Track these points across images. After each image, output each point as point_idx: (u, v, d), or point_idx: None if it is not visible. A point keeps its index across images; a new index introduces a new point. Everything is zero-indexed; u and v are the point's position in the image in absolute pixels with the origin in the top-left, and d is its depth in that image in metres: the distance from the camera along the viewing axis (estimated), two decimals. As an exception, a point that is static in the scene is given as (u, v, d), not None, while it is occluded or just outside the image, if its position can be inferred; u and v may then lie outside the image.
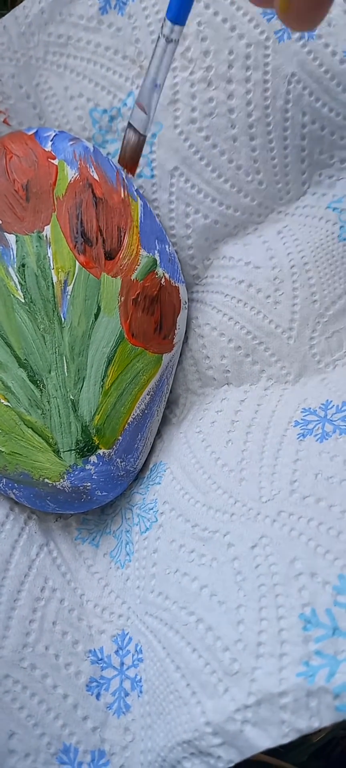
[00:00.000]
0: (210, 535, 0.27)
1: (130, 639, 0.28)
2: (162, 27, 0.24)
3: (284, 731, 0.22)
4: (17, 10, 0.31)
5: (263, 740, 0.22)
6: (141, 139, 0.28)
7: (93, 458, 0.29)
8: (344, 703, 0.21)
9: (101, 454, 0.29)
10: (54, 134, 0.31)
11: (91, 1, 0.30)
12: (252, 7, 0.30)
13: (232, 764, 0.23)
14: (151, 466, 0.32)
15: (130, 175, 0.31)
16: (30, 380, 0.29)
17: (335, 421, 0.28)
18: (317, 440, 0.28)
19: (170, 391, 0.34)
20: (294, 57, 0.30)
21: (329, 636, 0.22)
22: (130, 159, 0.29)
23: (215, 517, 0.27)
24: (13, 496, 0.30)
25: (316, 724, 0.21)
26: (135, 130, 0.28)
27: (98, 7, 0.30)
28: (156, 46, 0.24)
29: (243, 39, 0.30)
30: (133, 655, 0.28)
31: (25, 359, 0.29)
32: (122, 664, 0.28)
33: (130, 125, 0.28)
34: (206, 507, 0.28)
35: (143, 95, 0.27)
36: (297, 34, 0.29)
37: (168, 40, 0.25)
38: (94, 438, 0.29)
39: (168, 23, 0.24)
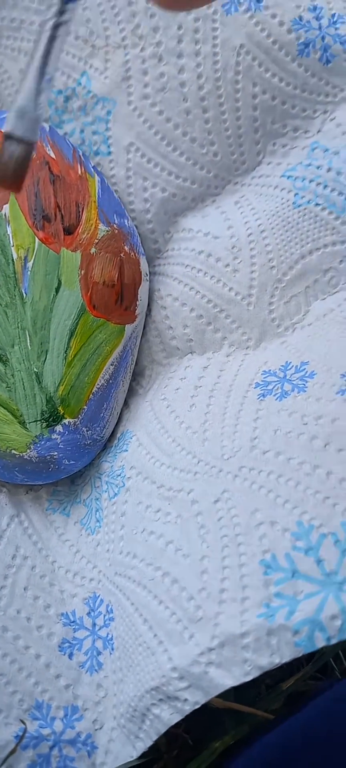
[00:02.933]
0: (175, 494, 0.28)
1: (102, 601, 0.29)
2: (51, 11, 0.20)
3: (246, 669, 0.23)
4: (-31, -6, 0.31)
5: (226, 679, 0.23)
6: (29, 148, 0.22)
7: (59, 428, 0.30)
8: (303, 638, 0.22)
9: (67, 423, 0.30)
10: (11, 114, 0.31)
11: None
12: None
13: (198, 705, 0.24)
14: (118, 435, 0.33)
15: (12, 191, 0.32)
16: (-6, 355, 0.30)
17: (293, 380, 0.29)
18: (276, 399, 0.29)
19: (136, 363, 0.34)
20: (242, 28, 0.31)
21: (288, 579, 0.23)
22: (15, 174, 0.22)
23: (179, 476, 0.28)
24: (-19, 469, 0.30)
25: (276, 660, 0.22)
26: (19, 139, 0.22)
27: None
28: (42, 32, 0.21)
29: (191, 13, 0.31)
30: (104, 616, 0.29)
31: (-11, 335, 0.30)
32: (94, 624, 0.29)
33: (9, 136, 0.21)
34: (171, 468, 0.29)
35: (27, 95, 0.22)
36: (244, 6, 0.30)
37: (57, 24, 0.21)
38: (59, 408, 0.30)
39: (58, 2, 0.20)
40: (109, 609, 0.29)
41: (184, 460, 0.29)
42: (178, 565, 0.26)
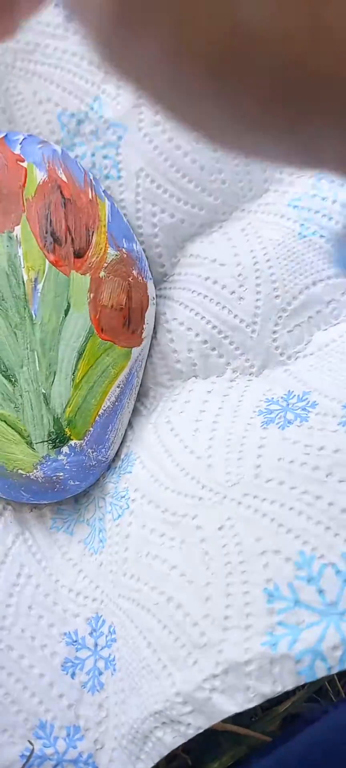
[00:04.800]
0: (179, 519, 0.28)
1: (104, 621, 0.30)
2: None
3: (249, 696, 0.23)
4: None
5: (229, 706, 0.23)
6: None
7: (65, 449, 0.30)
8: (305, 667, 0.23)
9: (73, 444, 0.31)
10: (23, 138, 0.32)
11: (57, 10, 0.32)
12: None
13: (201, 730, 0.24)
14: (122, 456, 0.33)
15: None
16: (2, 375, 0.30)
17: (296, 410, 0.30)
18: (279, 428, 0.29)
19: (141, 385, 0.35)
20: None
21: (290, 608, 0.24)
22: None
23: (183, 501, 0.29)
24: (-13, 488, 0.31)
25: (279, 689, 0.23)
26: None
27: (64, 15, 0.31)
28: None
29: None
30: (106, 636, 0.29)
31: (-2, 355, 0.30)
32: (96, 645, 0.29)
33: None
34: (175, 492, 0.29)
35: None
36: None
37: None
38: (66, 429, 0.30)
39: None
40: (111, 630, 0.29)
41: (188, 485, 0.29)
42: (182, 591, 0.26)
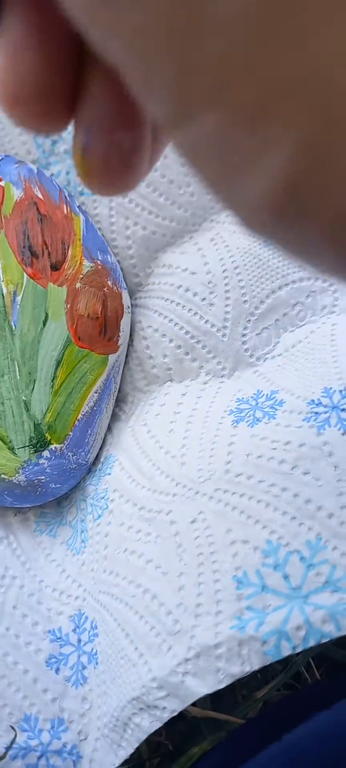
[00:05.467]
0: (155, 515, 0.30)
1: (86, 617, 0.31)
2: None
3: (219, 678, 0.25)
4: None
5: (201, 687, 0.25)
6: None
7: (46, 453, 0.32)
8: (271, 648, 0.24)
9: (53, 448, 0.32)
10: (0, 158, 0.34)
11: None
12: None
13: (175, 713, 0.25)
14: (102, 459, 0.35)
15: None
16: (-15, 385, 0.31)
17: (264, 408, 0.31)
18: (248, 425, 0.31)
19: (119, 391, 0.36)
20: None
21: (258, 593, 0.25)
22: None
23: (158, 498, 0.30)
24: (-29, 493, 0.32)
25: (247, 669, 0.24)
26: None
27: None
28: None
29: None
30: (89, 632, 0.30)
31: (-20, 366, 0.32)
32: (79, 641, 0.30)
33: None
34: (151, 491, 0.31)
35: None
36: None
37: None
38: (46, 434, 0.32)
39: None
40: (93, 625, 0.30)
41: (163, 482, 0.31)
42: (157, 582, 0.28)
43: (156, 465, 0.32)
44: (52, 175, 0.35)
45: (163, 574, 0.28)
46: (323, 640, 0.23)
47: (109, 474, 0.33)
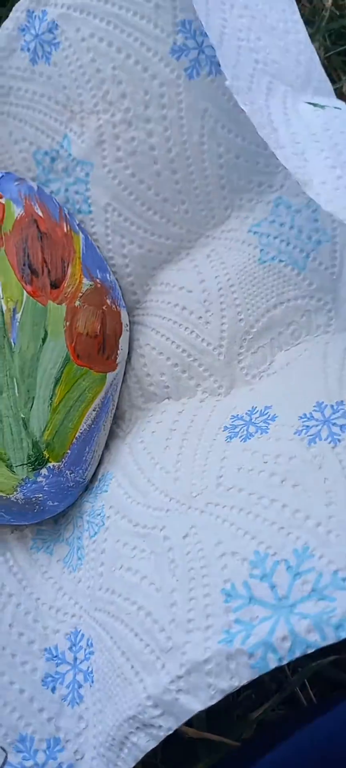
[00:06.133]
0: (149, 531, 0.30)
1: (82, 635, 0.31)
2: None
3: (210, 694, 0.24)
4: None
5: (194, 704, 0.24)
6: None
7: (44, 471, 0.32)
8: (258, 660, 0.24)
9: (51, 466, 0.32)
10: (0, 176, 0.34)
11: (23, 54, 0.34)
12: (161, 46, 0.33)
13: (171, 731, 0.25)
14: (99, 476, 0.35)
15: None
16: (-17, 402, 0.32)
17: (257, 423, 0.31)
18: (241, 440, 0.31)
19: (117, 408, 0.37)
20: (205, 93, 0.34)
21: (245, 605, 0.25)
22: None
23: (153, 514, 0.30)
24: (-32, 509, 0.32)
25: (236, 683, 0.24)
26: None
27: (29, 59, 0.34)
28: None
29: (156, 79, 0.33)
30: (85, 650, 0.30)
31: (-22, 383, 0.32)
32: (76, 659, 0.30)
33: None
34: (146, 506, 0.31)
35: None
36: (205, 70, 0.33)
37: None
38: (45, 452, 0.32)
39: None
40: (89, 643, 0.30)
41: (157, 498, 0.31)
42: (151, 599, 0.28)
43: (151, 481, 0.32)
44: (51, 192, 0.35)
45: (157, 590, 0.28)
46: (309, 650, 0.23)
47: (106, 491, 0.33)
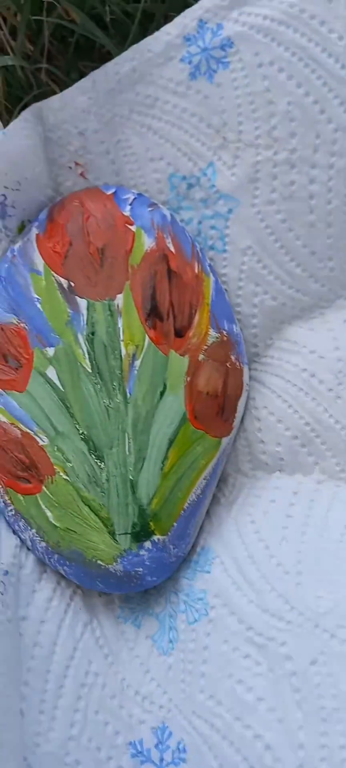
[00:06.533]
0: (265, 642, 0.26)
1: (171, 733, 0.28)
2: None
3: None
4: (108, 66, 0.29)
5: None
6: None
7: (147, 544, 0.28)
8: None
9: (156, 540, 0.29)
10: (133, 197, 0.30)
11: (183, 66, 0.29)
12: (344, 90, 0.29)
13: None
14: (198, 549, 0.31)
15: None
16: (91, 455, 0.28)
17: None
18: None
19: (219, 468, 0.33)
20: None
21: None
22: None
23: (270, 622, 0.27)
24: (63, 572, 0.29)
25: None
26: None
27: (189, 72, 0.29)
28: None
29: (331, 123, 0.29)
30: (173, 752, 0.27)
31: (88, 432, 0.28)
32: (162, 759, 0.27)
33: None
34: (261, 609, 0.27)
35: None
36: None
37: None
38: (151, 523, 0.28)
39: None
40: (180, 747, 0.27)
41: (275, 602, 0.27)
42: (271, 730, 0.25)
43: (266, 578, 0.28)
44: (182, 220, 0.31)
45: (279, 721, 0.25)
46: None
47: (208, 572, 0.30)
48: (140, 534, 0.28)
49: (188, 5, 0.30)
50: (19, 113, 0.31)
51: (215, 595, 0.29)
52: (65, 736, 0.26)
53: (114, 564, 0.28)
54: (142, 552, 0.28)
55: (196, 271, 0.30)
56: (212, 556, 0.30)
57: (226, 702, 0.26)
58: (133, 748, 0.27)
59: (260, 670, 0.26)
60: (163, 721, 0.28)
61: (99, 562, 0.28)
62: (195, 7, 0.29)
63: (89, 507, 0.28)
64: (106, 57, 0.34)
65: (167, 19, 0.31)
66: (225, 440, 0.30)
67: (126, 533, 0.28)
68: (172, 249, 0.29)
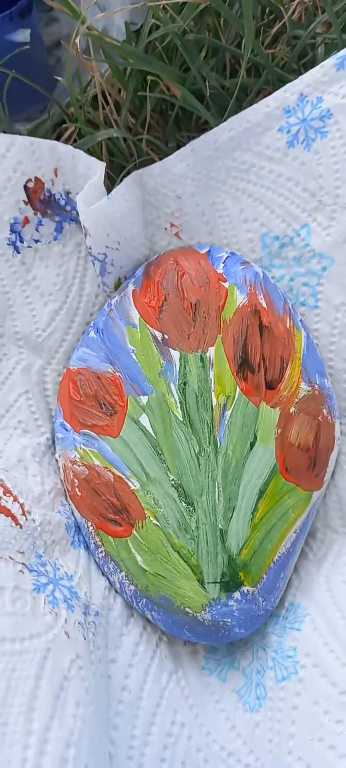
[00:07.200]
0: (360, 708, 0.25)
1: (258, 795, 0.27)
2: None
3: None
4: (207, 135, 0.31)
5: None
6: None
7: (237, 594, 0.28)
8: None
9: (245, 591, 0.28)
10: (226, 256, 0.31)
11: (280, 135, 0.30)
12: None
13: None
14: (287, 604, 0.30)
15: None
16: (181, 502, 0.28)
17: None
18: None
19: (307, 524, 0.32)
20: None
21: None
22: None
23: (365, 688, 0.26)
24: (150, 617, 0.29)
25: None
26: None
27: (286, 141, 0.30)
28: None
29: None
30: None
31: (179, 479, 0.29)
32: None
33: None
34: (355, 673, 0.26)
35: None
36: None
37: None
38: (240, 573, 0.28)
39: None
40: None
41: (370, 668, 0.26)
42: None
43: (361, 641, 0.27)
44: (273, 278, 0.32)
45: (374, 794, 0.23)
46: None
47: (299, 630, 0.29)
48: (230, 584, 0.28)
49: (283, 81, 0.32)
50: (121, 180, 0.33)
51: (305, 654, 0.28)
52: (152, 786, 0.26)
53: (202, 613, 0.28)
54: (231, 602, 0.28)
55: (287, 325, 0.30)
56: (303, 613, 0.29)
57: (316, 766, 0.25)
58: None
59: (353, 736, 0.25)
60: (249, 782, 0.27)
61: (187, 609, 0.28)
62: (296, 82, 0.30)
63: (179, 553, 0.28)
64: (203, 127, 0.36)
65: (261, 94, 0.33)
66: (316, 494, 0.30)
67: (215, 582, 0.28)
68: (264, 304, 0.30)
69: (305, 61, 0.34)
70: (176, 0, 0.29)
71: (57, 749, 0.21)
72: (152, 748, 0.26)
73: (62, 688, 0.23)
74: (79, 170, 0.31)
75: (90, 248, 0.31)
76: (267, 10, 0.35)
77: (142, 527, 0.29)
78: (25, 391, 0.32)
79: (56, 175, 0.32)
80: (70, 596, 0.27)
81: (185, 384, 0.29)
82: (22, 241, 0.32)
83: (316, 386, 0.30)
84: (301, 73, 0.31)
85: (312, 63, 0.34)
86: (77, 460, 0.30)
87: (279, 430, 0.29)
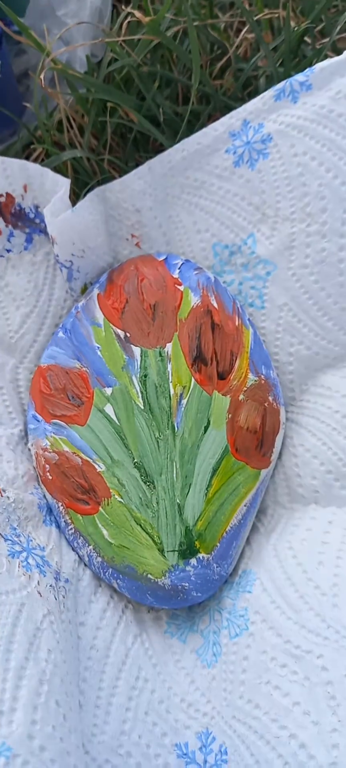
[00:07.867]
0: (302, 654, 0.29)
1: (214, 738, 0.30)
2: None
3: None
4: (163, 156, 0.35)
5: None
6: None
7: (193, 561, 0.32)
8: None
9: (201, 557, 0.32)
10: (181, 263, 0.35)
11: (227, 156, 0.35)
12: None
13: None
14: (240, 572, 0.34)
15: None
16: (142, 480, 0.32)
17: None
18: None
19: (259, 502, 0.36)
20: None
21: None
22: None
23: (307, 637, 0.29)
24: (116, 586, 0.32)
25: None
26: None
27: (232, 161, 0.34)
28: None
29: None
30: (216, 755, 0.29)
31: (140, 461, 0.32)
32: (206, 762, 0.29)
33: None
34: (299, 625, 0.30)
35: None
36: None
37: None
38: (196, 542, 0.32)
39: None
40: (222, 750, 0.29)
41: (312, 620, 0.30)
42: (306, 730, 0.27)
43: (304, 598, 0.31)
44: (224, 282, 0.36)
45: (314, 723, 0.27)
46: None
47: (249, 592, 0.32)
48: (186, 552, 0.32)
49: (229, 108, 0.36)
50: (85, 195, 0.37)
51: (255, 612, 0.31)
52: (118, 730, 0.29)
53: (163, 578, 0.32)
54: (188, 568, 0.32)
55: (236, 324, 0.34)
56: (253, 578, 0.33)
57: (263, 705, 0.28)
58: (179, 750, 0.30)
59: (296, 678, 0.28)
60: (206, 727, 0.30)
61: (149, 575, 0.32)
62: (240, 109, 0.34)
63: (141, 526, 0.32)
64: (159, 149, 0.40)
65: (210, 119, 0.37)
66: (264, 472, 0.34)
67: (174, 551, 0.32)
68: (215, 305, 0.34)
69: (249, 91, 0.39)
70: (131, 37, 0.33)
71: (31, 684, 0.24)
72: (118, 698, 0.29)
73: (35, 636, 0.26)
74: (46, 186, 0.35)
75: (57, 256, 0.34)
76: (215, 46, 0.39)
77: (108, 504, 0.32)
78: (0, 388, 0.35)
79: (26, 191, 0.35)
80: (42, 563, 0.30)
81: (145, 376, 0.33)
82: None
83: (262, 376, 0.34)
84: (245, 102, 0.35)
85: (255, 92, 0.38)
86: (48, 447, 0.33)
87: (230, 415, 0.33)
